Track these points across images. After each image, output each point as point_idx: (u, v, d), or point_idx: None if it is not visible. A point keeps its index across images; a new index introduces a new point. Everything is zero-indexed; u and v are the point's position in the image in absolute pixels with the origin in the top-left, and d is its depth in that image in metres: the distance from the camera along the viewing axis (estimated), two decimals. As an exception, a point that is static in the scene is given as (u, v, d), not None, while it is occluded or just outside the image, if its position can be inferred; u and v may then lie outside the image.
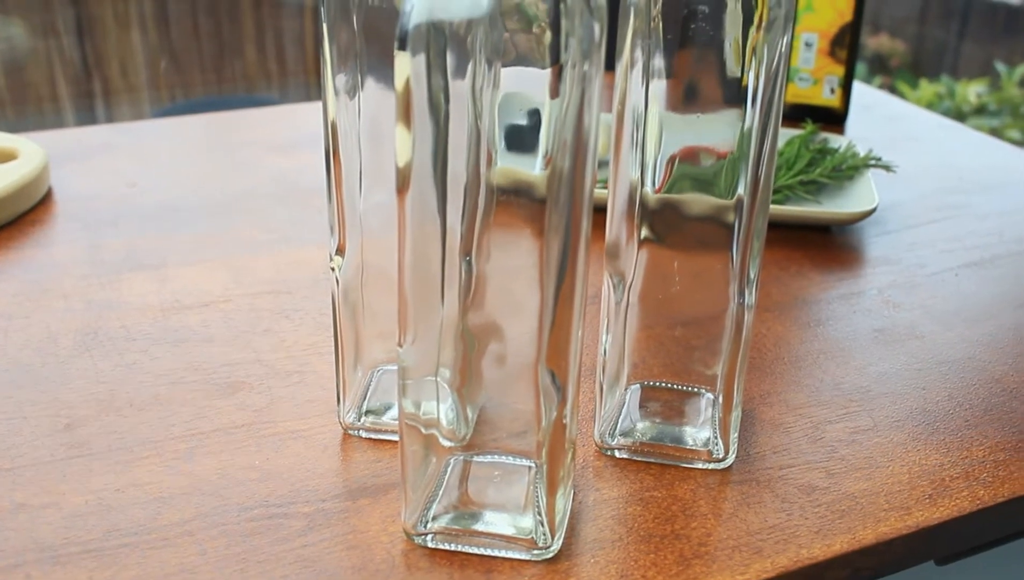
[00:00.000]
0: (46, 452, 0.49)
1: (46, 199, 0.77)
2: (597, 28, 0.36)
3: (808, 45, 0.93)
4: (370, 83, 0.45)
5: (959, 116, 2.01)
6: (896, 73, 2.82)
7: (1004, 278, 0.69)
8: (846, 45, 0.93)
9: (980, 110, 2.00)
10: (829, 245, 0.73)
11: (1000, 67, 2.15)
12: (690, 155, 0.46)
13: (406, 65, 0.36)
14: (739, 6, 0.42)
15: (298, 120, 0.98)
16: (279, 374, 0.56)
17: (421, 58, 0.35)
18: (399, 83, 0.36)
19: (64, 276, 0.65)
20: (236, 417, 0.52)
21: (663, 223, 0.46)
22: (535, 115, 0.37)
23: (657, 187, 0.45)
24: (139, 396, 0.53)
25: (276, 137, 0.91)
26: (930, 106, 2.04)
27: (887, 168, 0.81)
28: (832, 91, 0.95)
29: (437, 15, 0.35)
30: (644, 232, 0.46)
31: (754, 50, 0.43)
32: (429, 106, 0.36)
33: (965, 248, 0.73)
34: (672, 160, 0.45)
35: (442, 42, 0.36)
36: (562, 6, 0.35)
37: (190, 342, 0.58)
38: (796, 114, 0.96)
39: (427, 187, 0.37)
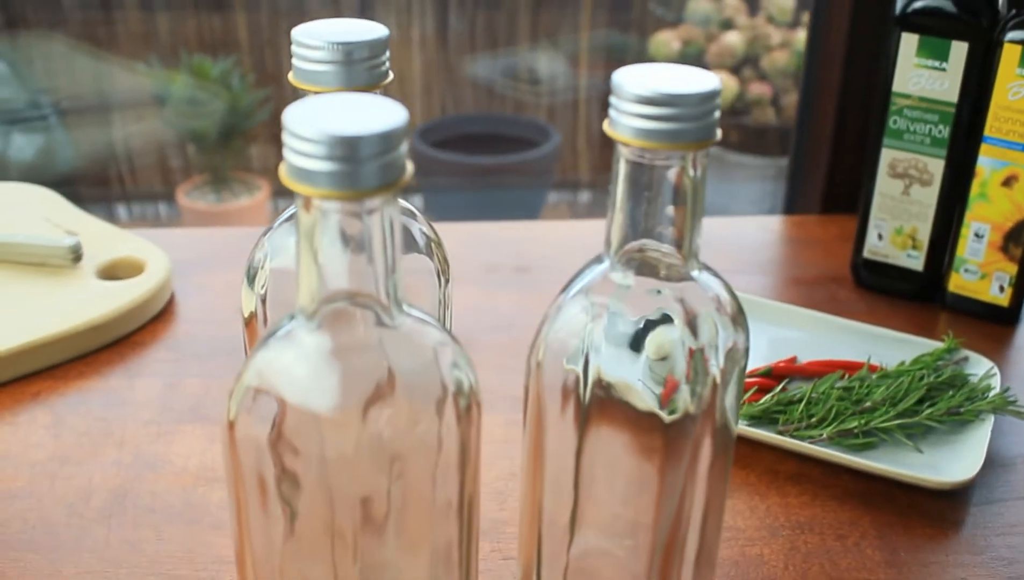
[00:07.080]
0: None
1: (165, 312, 0.82)
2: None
3: (978, 236, 0.83)
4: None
5: None
6: None
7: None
8: (1022, 243, 0.82)
9: None
10: (909, 509, 0.65)
11: None
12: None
13: None
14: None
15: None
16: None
17: None
18: None
19: (128, 420, 0.69)
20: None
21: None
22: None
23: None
24: (119, 590, 0.56)
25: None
26: None
27: (1019, 415, 0.71)
28: (1001, 289, 0.84)
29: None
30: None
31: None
32: None
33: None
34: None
35: None
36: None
37: (202, 524, 0.61)
38: (960, 306, 0.86)
39: None
